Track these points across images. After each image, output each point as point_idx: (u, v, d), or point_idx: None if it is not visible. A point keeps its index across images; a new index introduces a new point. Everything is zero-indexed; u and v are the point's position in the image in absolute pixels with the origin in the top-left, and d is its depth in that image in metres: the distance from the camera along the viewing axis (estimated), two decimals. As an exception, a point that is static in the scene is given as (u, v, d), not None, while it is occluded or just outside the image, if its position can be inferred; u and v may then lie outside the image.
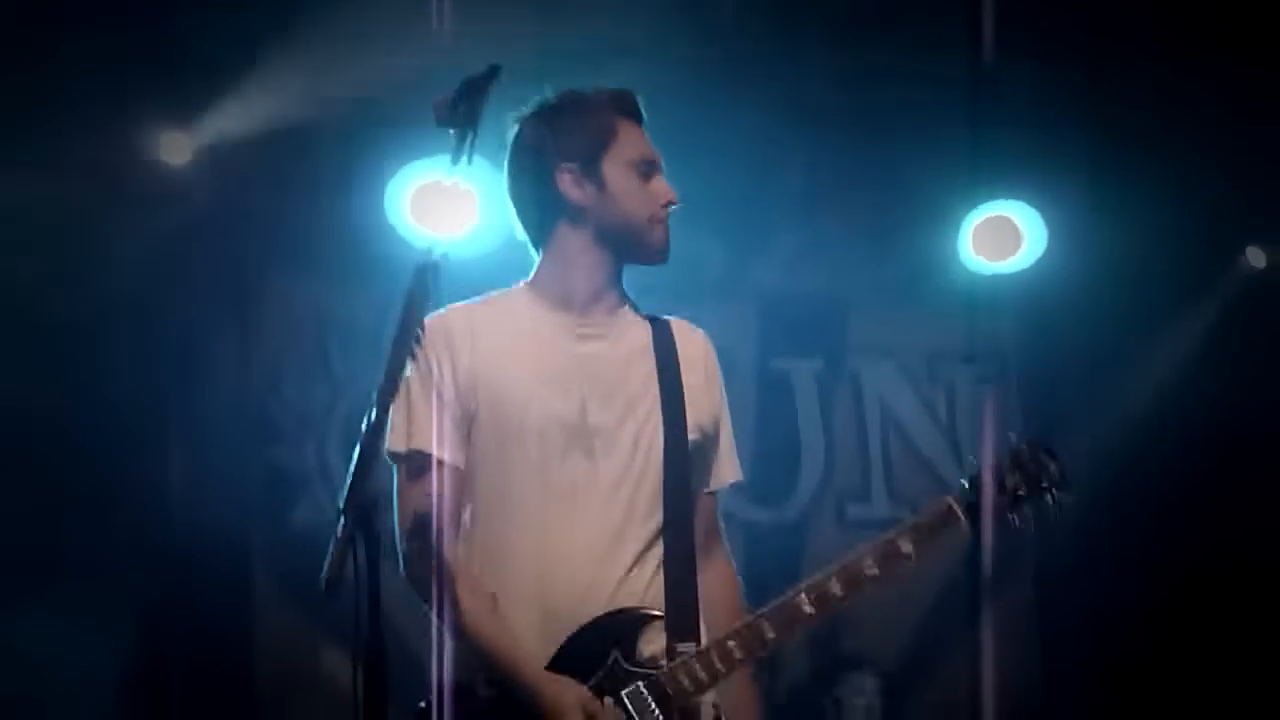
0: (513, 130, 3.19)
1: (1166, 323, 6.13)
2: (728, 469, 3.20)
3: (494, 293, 3.24)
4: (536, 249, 3.20)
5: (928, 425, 6.49)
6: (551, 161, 3.10)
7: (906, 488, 6.43)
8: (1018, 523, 3.14)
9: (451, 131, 2.75)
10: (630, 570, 3.01)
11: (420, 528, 3.00)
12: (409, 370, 2.96)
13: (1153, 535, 5.67)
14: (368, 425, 2.54)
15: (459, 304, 3.18)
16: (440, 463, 3.03)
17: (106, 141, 5.19)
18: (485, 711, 2.97)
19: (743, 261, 6.17)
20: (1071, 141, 5.93)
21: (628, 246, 3.14)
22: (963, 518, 3.04)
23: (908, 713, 5.93)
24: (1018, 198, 5.94)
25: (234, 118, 5.48)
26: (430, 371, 3.07)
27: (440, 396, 3.05)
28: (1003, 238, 5.92)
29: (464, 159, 2.75)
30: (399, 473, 3.06)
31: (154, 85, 5.34)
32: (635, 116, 3.19)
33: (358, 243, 5.56)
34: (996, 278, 6.02)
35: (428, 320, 3.05)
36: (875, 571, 2.98)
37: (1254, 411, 5.74)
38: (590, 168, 3.10)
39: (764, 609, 3.03)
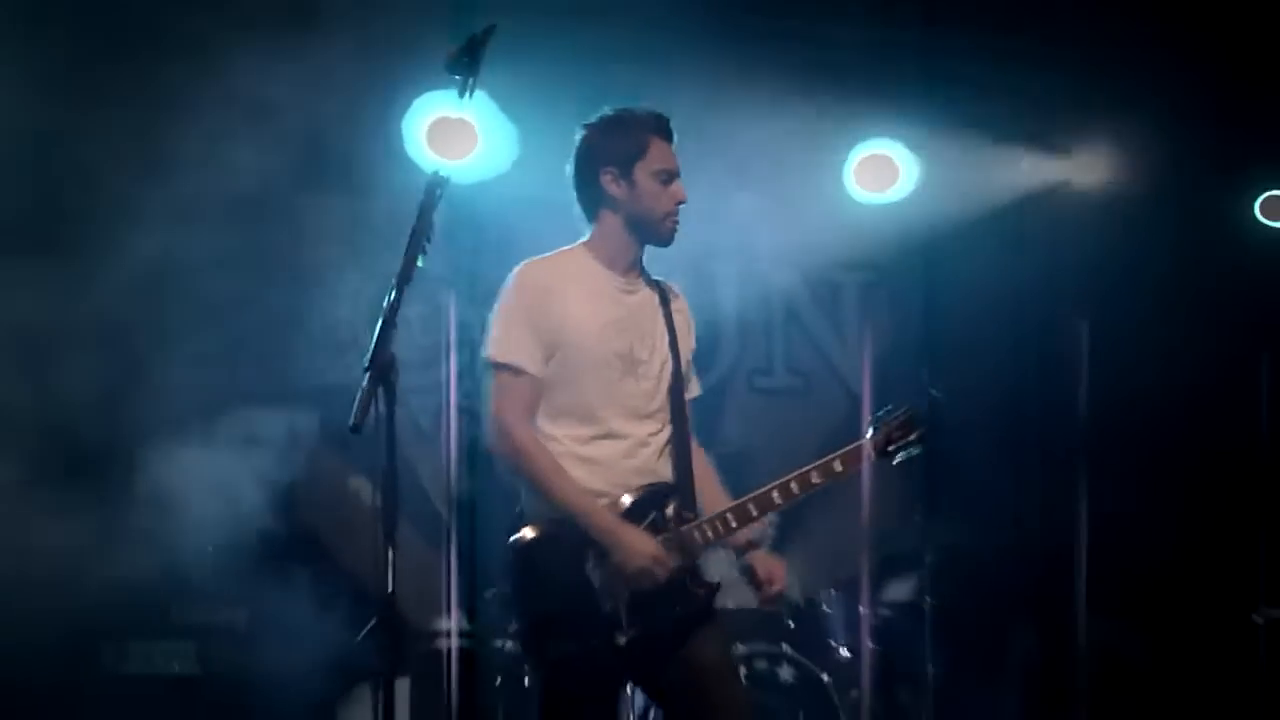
0: (578, 135, 4.11)
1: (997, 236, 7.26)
2: (695, 386, 4.26)
3: (560, 249, 4.14)
4: (588, 223, 4.10)
5: (818, 317, 7.77)
6: (599, 163, 4.01)
7: (800, 364, 7.76)
8: (894, 461, 4.32)
9: (458, 76, 3.36)
10: (656, 456, 4.05)
11: (506, 417, 3.97)
12: (512, 300, 4.00)
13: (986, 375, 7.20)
14: (388, 303, 3.15)
15: (539, 259, 4.11)
16: (529, 374, 3.95)
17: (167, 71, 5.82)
18: (571, 544, 3.95)
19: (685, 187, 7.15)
20: (945, 95, 7.04)
21: (646, 233, 4.03)
22: (871, 455, 4.20)
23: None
24: (898, 139, 7.01)
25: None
26: (529, 308, 4.00)
27: (535, 327, 3.97)
28: (883, 172, 7.02)
29: (467, 98, 3.38)
30: (495, 375, 4.01)
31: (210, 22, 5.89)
32: (665, 135, 4.05)
33: (381, 164, 6.29)
34: (877, 206, 7.05)
35: (523, 270, 4.07)
36: (819, 481, 4.09)
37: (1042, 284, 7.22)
38: (625, 172, 3.99)
39: (749, 495, 4.09)
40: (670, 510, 4.04)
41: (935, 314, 7.37)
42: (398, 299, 3.21)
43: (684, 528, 4.00)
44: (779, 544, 6.52)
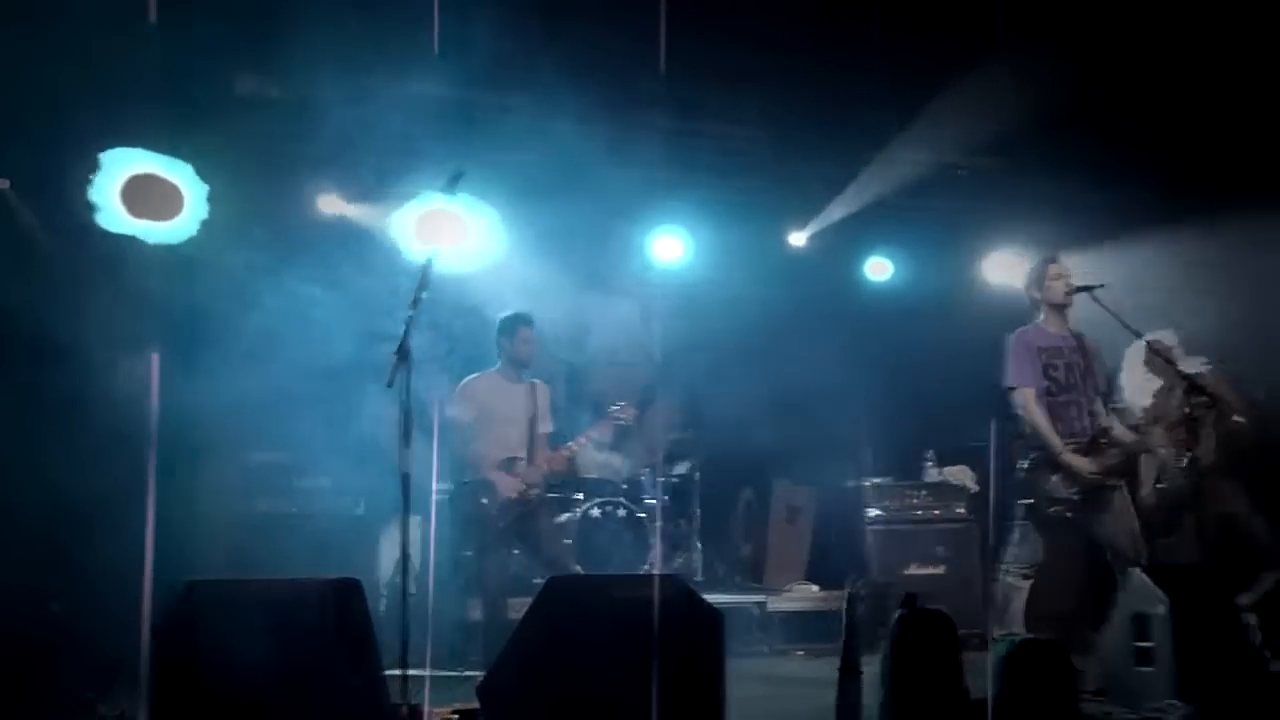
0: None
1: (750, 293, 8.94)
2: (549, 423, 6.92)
3: (488, 370, 6.73)
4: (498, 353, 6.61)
5: (641, 323, 9.80)
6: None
7: (630, 348, 9.72)
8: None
9: (447, 194, 5.50)
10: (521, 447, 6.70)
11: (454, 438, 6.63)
12: (456, 395, 6.64)
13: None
14: (406, 322, 4.60)
15: (477, 375, 6.66)
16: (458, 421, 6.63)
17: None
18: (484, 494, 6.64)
19: (565, 256, 8.60)
20: (713, 187, 8.78)
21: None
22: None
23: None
24: (679, 223, 8.84)
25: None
26: (464, 400, 6.69)
27: (465, 408, 6.65)
28: (670, 247, 8.85)
29: (454, 197, 6.01)
30: (451, 424, 6.61)
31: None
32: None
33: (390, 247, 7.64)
34: (666, 270, 8.98)
35: (462, 381, 6.75)
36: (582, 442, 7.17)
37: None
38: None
39: (558, 450, 6.80)
40: (515, 465, 6.86)
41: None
42: (412, 319, 4.73)
43: (525, 468, 6.83)
44: (621, 441, 8.91)
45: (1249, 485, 7.23)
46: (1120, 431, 6.44)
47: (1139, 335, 6.52)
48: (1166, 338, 7.10)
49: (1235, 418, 7.13)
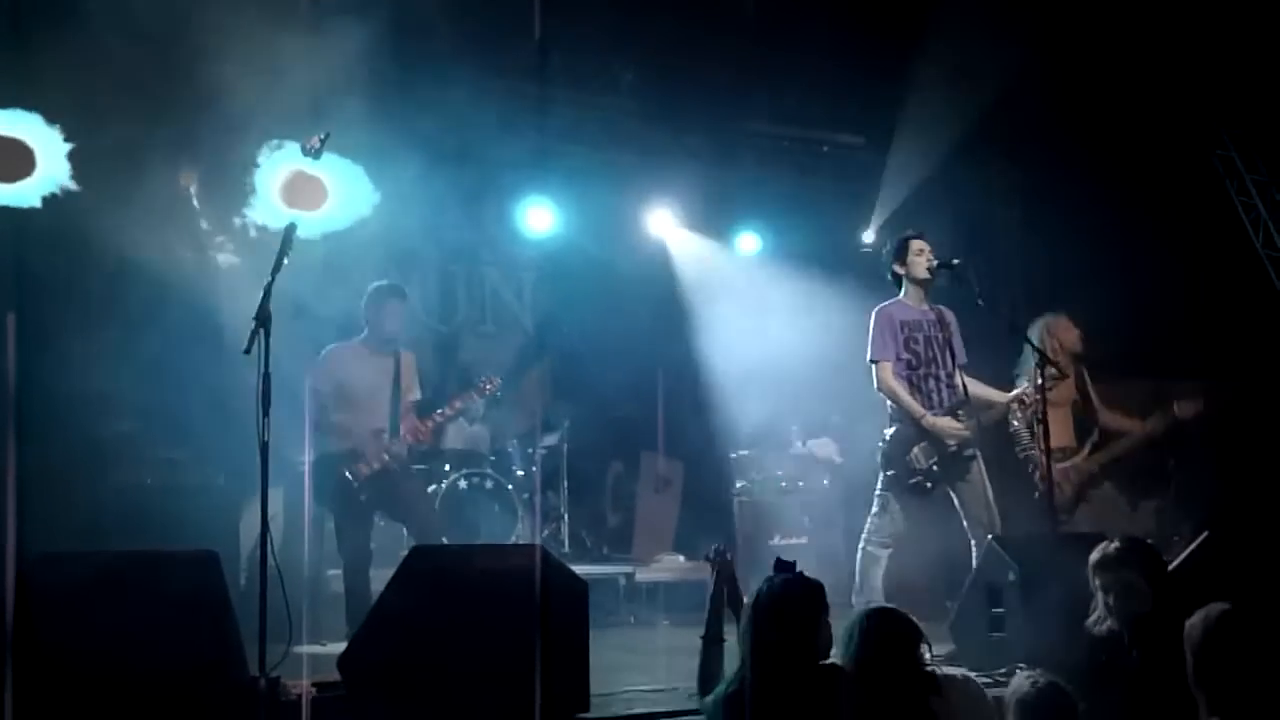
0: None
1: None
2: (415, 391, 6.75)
3: (353, 340, 6.55)
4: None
5: (511, 293, 10.14)
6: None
7: (499, 318, 9.99)
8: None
9: (311, 158, 5.33)
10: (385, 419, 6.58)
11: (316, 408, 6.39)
12: (318, 365, 6.46)
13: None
14: (266, 288, 4.55)
15: (341, 344, 6.48)
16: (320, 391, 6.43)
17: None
18: (346, 466, 6.48)
19: (434, 226, 8.64)
20: (583, 157, 8.80)
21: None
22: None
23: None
24: (549, 194, 8.85)
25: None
26: (327, 370, 6.51)
27: (328, 377, 6.47)
28: (540, 218, 9.05)
29: (318, 159, 5.36)
30: (313, 394, 6.38)
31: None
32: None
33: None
34: (537, 240, 9.16)
35: (325, 350, 6.55)
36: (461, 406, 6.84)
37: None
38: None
39: (429, 417, 6.81)
40: (383, 434, 6.71)
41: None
42: (270, 284, 4.68)
43: (388, 439, 6.67)
44: (489, 412, 8.99)
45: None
46: (983, 391, 6.61)
47: (988, 307, 6.69)
48: (1061, 322, 7.30)
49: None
